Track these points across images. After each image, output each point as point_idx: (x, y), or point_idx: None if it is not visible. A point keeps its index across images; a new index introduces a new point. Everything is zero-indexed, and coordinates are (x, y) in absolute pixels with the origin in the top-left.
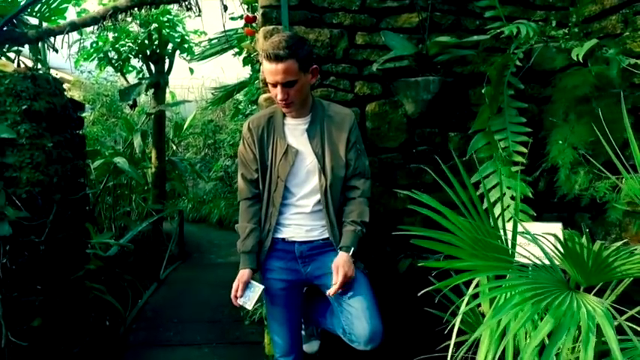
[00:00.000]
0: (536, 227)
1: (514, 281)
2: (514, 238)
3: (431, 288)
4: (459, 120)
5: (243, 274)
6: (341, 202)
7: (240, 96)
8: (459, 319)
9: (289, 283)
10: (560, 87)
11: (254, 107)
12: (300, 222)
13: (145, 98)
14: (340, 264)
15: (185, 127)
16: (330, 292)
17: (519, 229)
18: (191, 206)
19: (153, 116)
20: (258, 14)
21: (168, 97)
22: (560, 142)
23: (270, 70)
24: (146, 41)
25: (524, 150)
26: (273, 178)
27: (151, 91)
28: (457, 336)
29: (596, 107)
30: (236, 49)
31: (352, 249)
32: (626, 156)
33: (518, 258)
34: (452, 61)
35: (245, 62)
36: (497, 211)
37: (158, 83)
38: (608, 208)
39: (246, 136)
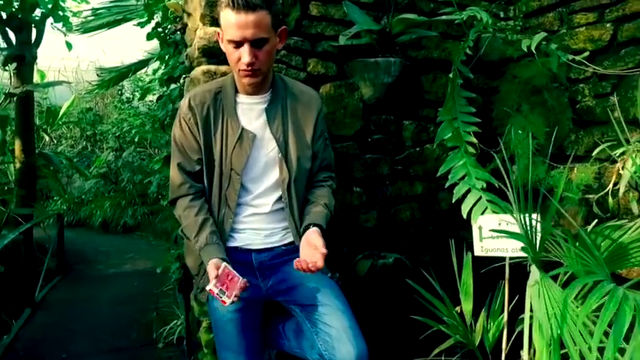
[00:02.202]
0: (510, 218)
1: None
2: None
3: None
4: (413, 107)
5: (217, 263)
6: (305, 200)
7: (126, 82)
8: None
9: (245, 301)
10: (510, 78)
11: (164, 89)
12: (257, 225)
13: (2, 75)
14: (317, 241)
15: (61, 114)
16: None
17: (497, 220)
18: (66, 208)
19: (16, 98)
20: None
21: (36, 77)
22: (520, 131)
23: (237, 23)
24: (1, 1)
25: (475, 140)
26: (225, 171)
27: (13, 66)
28: (441, 342)
29: (548, 99)
30: (139, 20)
31: (323, 228)
32: (565, 146)
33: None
34: (407, 44)
35: (150, 36)
36: (468, 203)
37: (22, 57)
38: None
39: (185, 116)
